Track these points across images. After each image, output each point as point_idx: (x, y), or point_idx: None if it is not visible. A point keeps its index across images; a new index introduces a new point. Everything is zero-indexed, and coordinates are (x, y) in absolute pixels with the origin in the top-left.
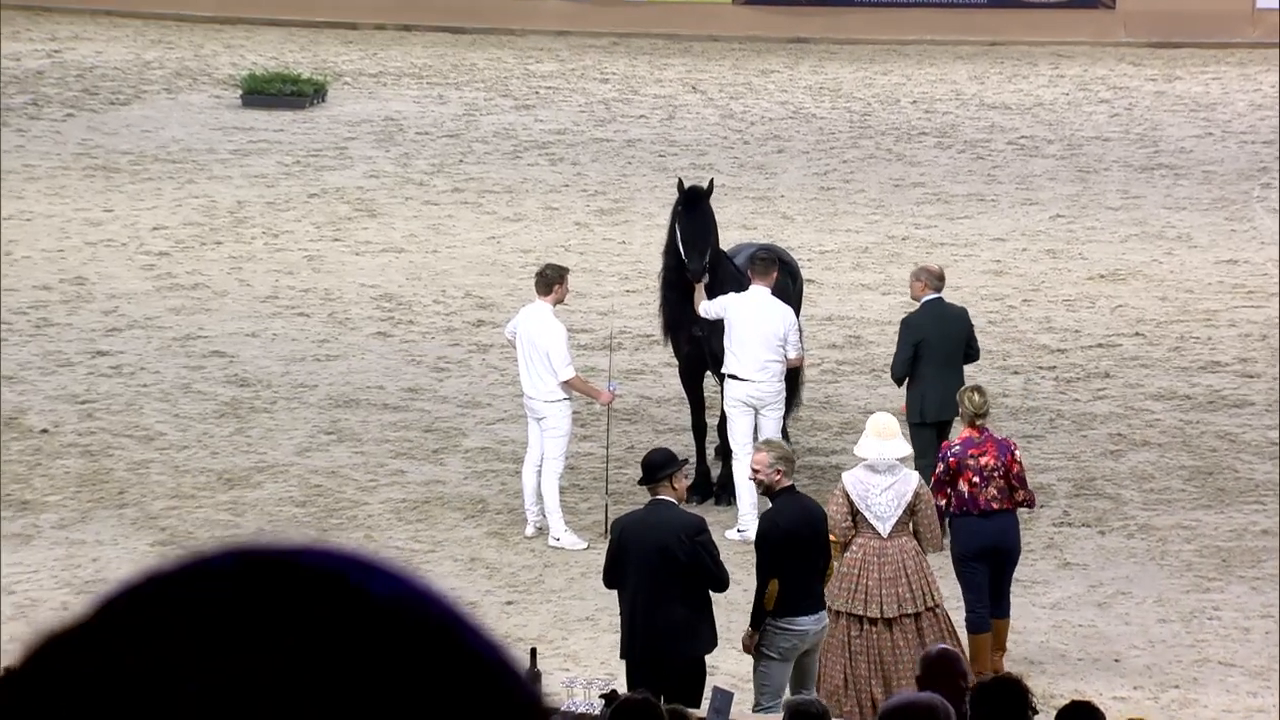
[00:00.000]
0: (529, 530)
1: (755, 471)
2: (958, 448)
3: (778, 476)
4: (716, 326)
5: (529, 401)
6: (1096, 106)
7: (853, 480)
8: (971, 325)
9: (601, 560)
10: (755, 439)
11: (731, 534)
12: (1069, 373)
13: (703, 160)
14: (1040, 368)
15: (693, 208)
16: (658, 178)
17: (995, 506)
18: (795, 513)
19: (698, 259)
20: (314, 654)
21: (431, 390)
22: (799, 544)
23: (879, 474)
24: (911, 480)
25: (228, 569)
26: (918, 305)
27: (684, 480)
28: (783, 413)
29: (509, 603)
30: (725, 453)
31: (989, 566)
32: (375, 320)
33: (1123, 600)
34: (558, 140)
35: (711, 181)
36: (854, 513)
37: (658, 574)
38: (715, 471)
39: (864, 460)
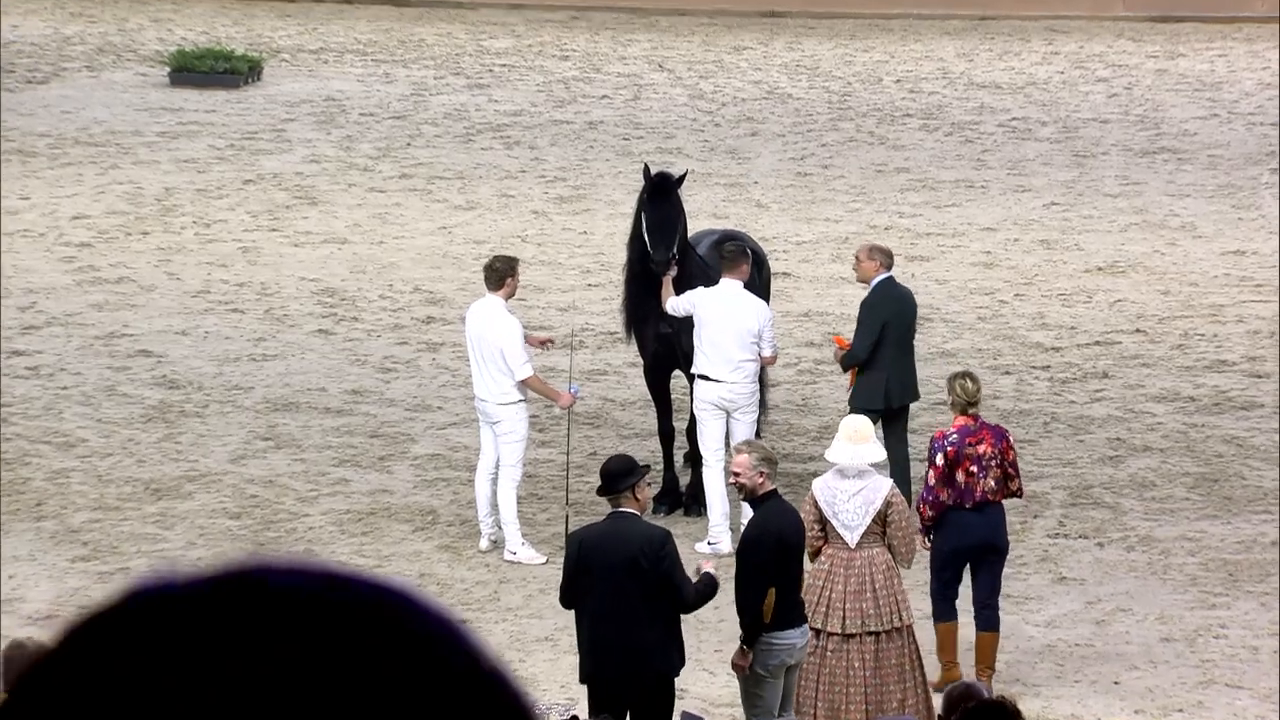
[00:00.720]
0: (483, 543)
1: (736, 475)
2: (955, 436)
3: (760, 479)
4: (686, 323)
5: (481, 404)
6: (1094, 86)
7: (821, 486)
8: (917, 307)
9: (559, 575)
10: (727, 445)
11: (702, 547)
12: (1064, 373)
13: (670, 144)
14: (1034, 367)
15: (660, 196)
16: (621, 163)
17: (990, 498)
18: (782, 518)
19: (664, 250)
20: (302, 671)
21: (377, 393)
22: (787, 551)
23: (847, 479)
24: (882, 487)
25: (207, 591)
26: (869, 286)
27: (647, 489)
28: (756, 415)
29: (461, 622)
30: (695, 459)
31: (973, 564)
32: (316, 317)
33: (1122, 617)
34: (513, 122)
35: (686, 173)
36: (823, 521)
37: (622, 592)
38: (685, 480)
39: (835, 465)
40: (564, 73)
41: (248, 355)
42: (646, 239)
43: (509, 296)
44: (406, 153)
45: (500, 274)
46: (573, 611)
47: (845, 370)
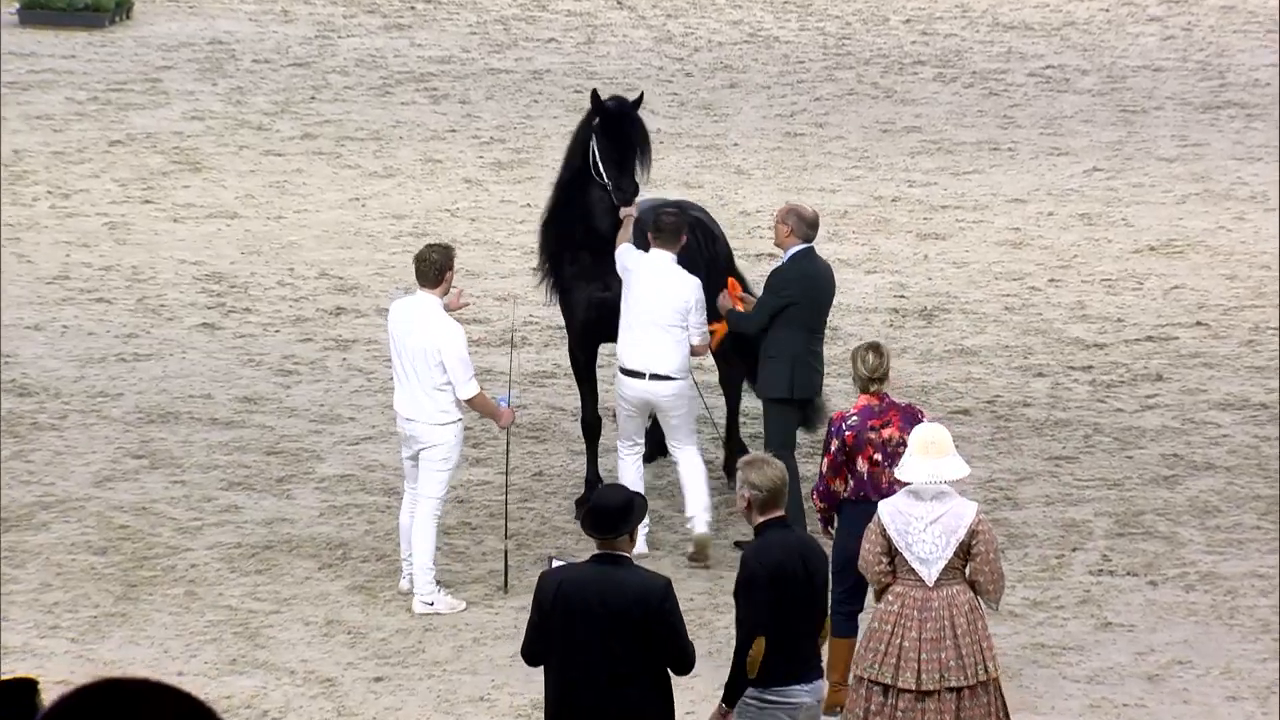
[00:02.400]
0: (404, 584)
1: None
2: (855, 419)
3: (745, 505)
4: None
5: (407, 426)
6: (1144, 26)
7: (891, 511)
8: (835, 288)
9: (497, 621)
10: (668, 445)
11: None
12: (1109, 375)
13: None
14: (1072, 368)
15: (620, 119)
16: (571, 120)
17: (899, 489)
18: (782, 550)
19: (630, 177)
20: None
21: (275, 400)
22: (790, 592)
23: (923, 502)
24: (965, 512)
25: None
26: (782, 256)
27: (641, 532)
28: (692, 410)
29: (378, 679)
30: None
31: None
32: (200, 308)
33: (1180, 671)
34: (441, 71)
35: (642, 95)
36: (892, 552)
37: (607, 650)
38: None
39: (907, 485)
40: (501, 10)
41: (116, 355)
42: (601, 168)
43: (446, 294)
44: (309, 108)
45: (438, 267)
46: (522, 667)
47: (731, 330)
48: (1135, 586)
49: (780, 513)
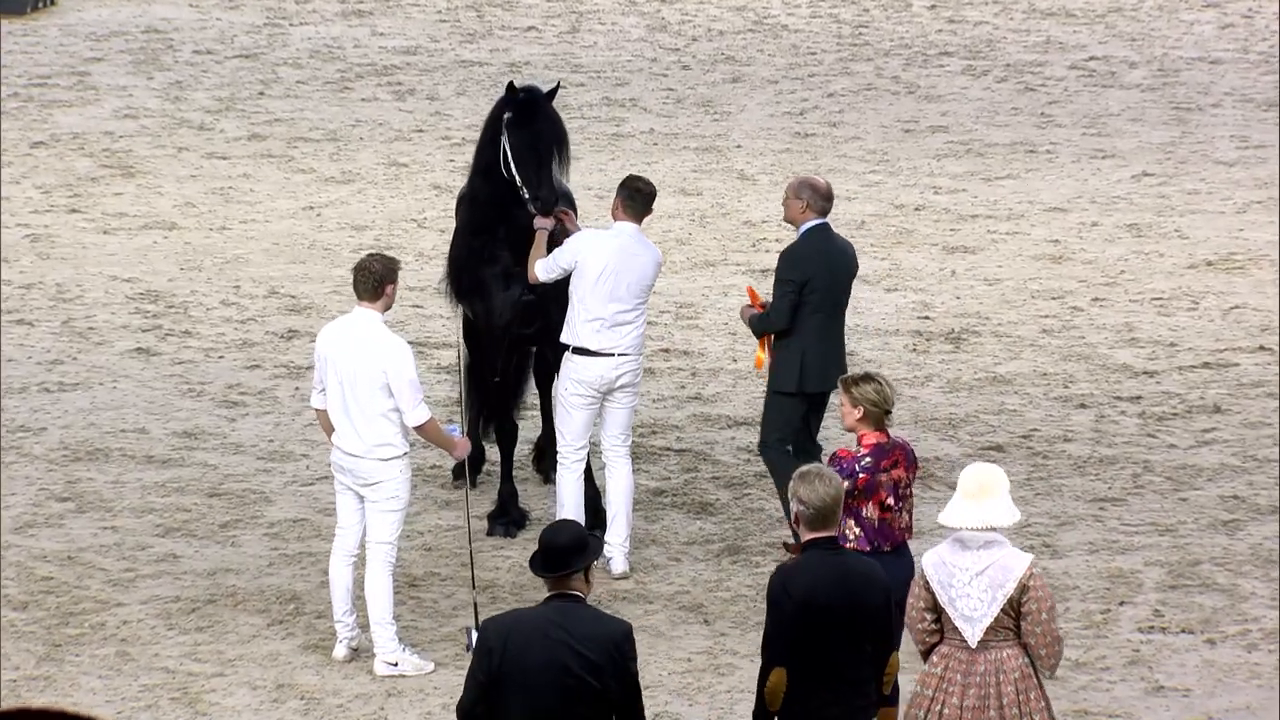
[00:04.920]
0: (340, 652)
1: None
2: (868, 459)
3: (796, 521)
4: (555, 288)
5: (346, 462)
6: (1200, 13)
7: (934, 563)
8: (858, 267)
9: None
10: (612, 434)
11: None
12: (1161, 406)
13: (621, 93)
14: (1119, 399)
15: (534, 112)
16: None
17: (905, 538)
18: (817, 573)
19: (549, 186)
20: None
21: (219, 435)
22: (824, 622)
23: (970, 551)
24: (1015, 564)
25: None
26: (796, 233)
27: (620, 551)
28: (638, 398)
29: None
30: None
31: None
32: (133, 331)
33: None
34: (406, 64)
35: (559, 85)
36: (937, 608)
37: (560, 706)
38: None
39: (953, 533)
40: None
41: (38, 384)
42: (515, 170)
43: (387, 309)
44: (258, 105)
45: (378, 278)
46: None
47: (758, 337)
48: (1190, 645)
49: (830, 533)
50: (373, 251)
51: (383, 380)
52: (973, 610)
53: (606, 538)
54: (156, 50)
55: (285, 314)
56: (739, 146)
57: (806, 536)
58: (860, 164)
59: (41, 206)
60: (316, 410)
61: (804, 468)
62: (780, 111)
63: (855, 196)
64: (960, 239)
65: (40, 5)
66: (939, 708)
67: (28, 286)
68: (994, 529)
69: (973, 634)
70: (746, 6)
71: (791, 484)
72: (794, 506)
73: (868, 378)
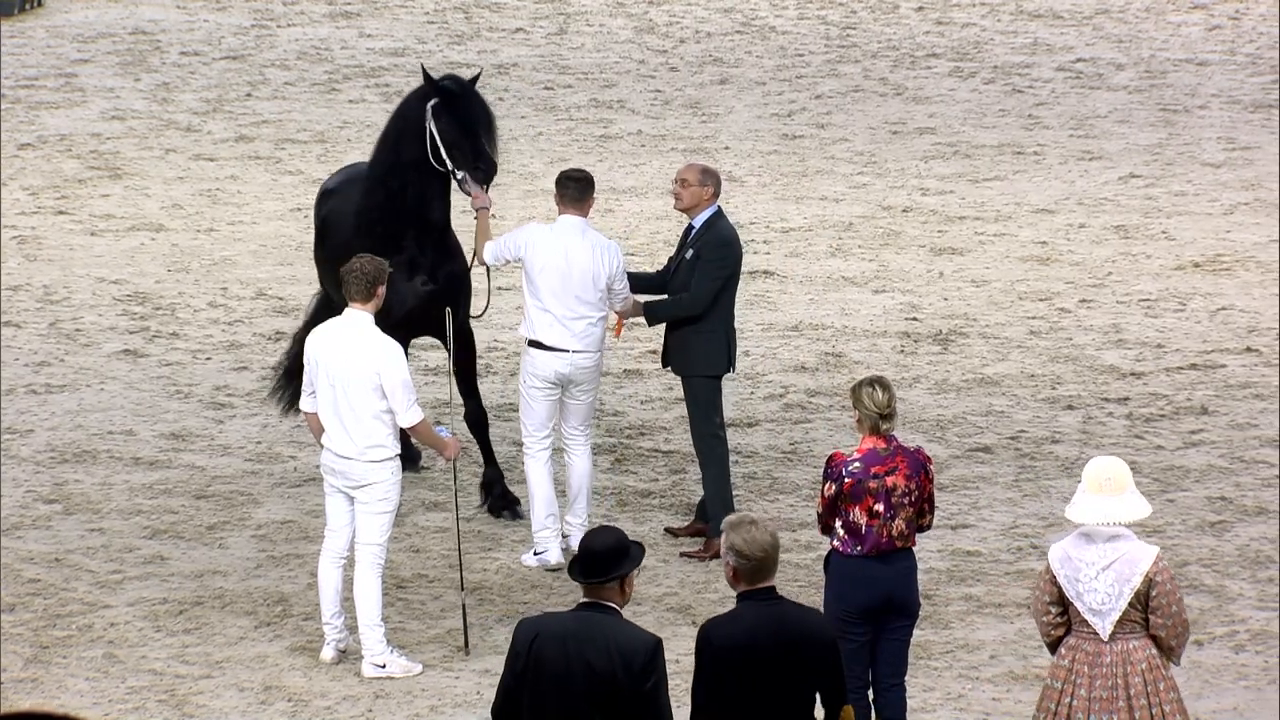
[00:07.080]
0: (328, 653)
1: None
2: (857, 465)
3: (729, 573)
4: (453, 280)
5: (337, 464)
6: (1187, 15)
7: (1060, 557)
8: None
9: (457, 686)
10: (573, 425)
11: (527, 558)
12: (1148, 407)
13: (609, 95)
14: (1106, 400)
15: (465, 94)
16: (541, 120)
17: (899, 545)
18: (753, 627)
19: (487, 157)
20: None
21: (206, 437)
22: (754, 675)
23: (1095, 545)
24: (1142, 557)
25: None
26: (700, 221)
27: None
28: (597, 390)
29: None
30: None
31: (875, 628)
32: (121, 333)
33: None
34: (394, 65)
35: (480, 72)
36: (1063, 601)
37: (584, 713)
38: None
39: (1079, 527)
40: None
41: (25, 385)
42: (447, 155)
43: (377, 310)
44: (245, 106)
45: (369, 279)
46: None
47: (667, 323)
48: None
49: (768, 583)
50: (363, 253)
51: (375, 382)
52: (1101, 604)
53: (567, 518)
54: (144, 52)
55: (273, 316)
56: (727, 148)
57: (741, 589)
58: (848, 165)
59: (29, 208)
60: (306, 413)
61: (734, 517)
62: (768, 113)
63: (843, 198)
64: (948, 240)
65: (27, 6)
66: (1069, 699)
67: (14, 288)
68: (1124, 523)
69: (1104, 627)
70: (734, 8)
71: (725, 535)
72: (730, 560)
73: (868, 383)
